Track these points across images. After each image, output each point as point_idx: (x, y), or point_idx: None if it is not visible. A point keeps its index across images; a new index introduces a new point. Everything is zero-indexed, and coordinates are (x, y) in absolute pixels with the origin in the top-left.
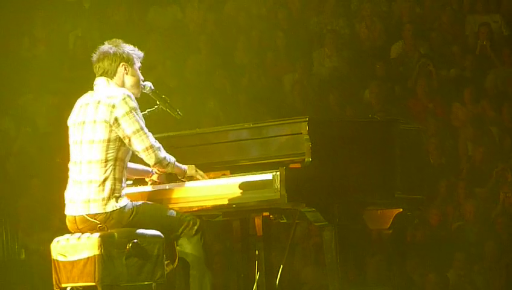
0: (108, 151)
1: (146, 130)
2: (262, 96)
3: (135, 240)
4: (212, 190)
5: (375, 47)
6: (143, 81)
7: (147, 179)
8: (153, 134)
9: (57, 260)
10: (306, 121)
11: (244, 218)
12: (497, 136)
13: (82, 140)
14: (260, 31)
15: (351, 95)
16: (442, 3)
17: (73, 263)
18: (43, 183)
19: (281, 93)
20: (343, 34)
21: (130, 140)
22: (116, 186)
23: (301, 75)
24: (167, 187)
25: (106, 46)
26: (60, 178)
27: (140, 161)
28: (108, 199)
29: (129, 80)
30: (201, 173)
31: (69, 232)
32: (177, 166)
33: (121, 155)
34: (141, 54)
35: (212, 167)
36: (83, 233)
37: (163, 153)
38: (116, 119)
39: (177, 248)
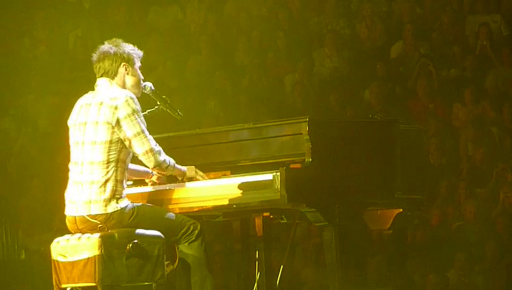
0: (110, 153)
1: (147, 133)
2: (263, 96)
3: (135, 241)
4: (212, 190)
5: (375, 47)
6: (143, 81)
7: (146, 180)
8: (153, 134)
9: (57, 261)
10: (306, 121)
11: (245, 218)
12: (497, 137)
13: (84, 141)
14: (261, 32)
15: (352, 96)
16: (442, 3)
17: (73, 264)
18: (44, 184)
19: (281, 94)
20: (344, 34)
21: (130, 142)
22: (118, 188)
23: (302, 75)
24: (167, 188)
25: (106, 46)
26: (60, 179)
27: (141, 162)
28: (110, 200)
29: (130, 80)
30: (201, 173)
31: (69, 232)
32: (176, 168)
33: (122, 157)
34: (141, 53)
35: (213, 167)
36: (83, 233)
37: (162, 157)
38: (118, 121)
39: (178, 252)
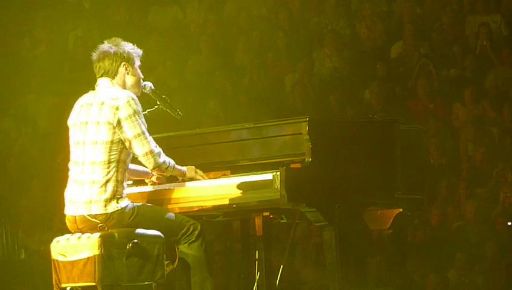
0: (111, 153)
1: (147, 134)
2: (263, 96)
3: (135, 240)
4: (212, 190)
5: (375, 47)
6: (143, 80)
7: (146, 180)
8: (153, 134)
9: (57, 260)
10: (306, 121)
11: (245, 218)
12: (497, 137)
13: (85, 141)
14: (261, 32)
15: (352, 95)
16: (442, 3)
17: (73, 263)
18: (44, 184)
19: (281, 94)
20: (344, 34)
21: (130, 143)
22: (118, 188)
23: (302, 75)
24: (167, 187)
25: (106, 46)
26: (60, 178)
27: (140, 162)
28: (110, 200)
29: (130, 80)
30: (201, 173)
31: (69, 232)
32: (176, 168)
33: (123, 157)
34: (140, 51)
35: (213, 167)
36: (82, 233)
37: (162, 158)
38: (119, 121)
39: (178, 253)
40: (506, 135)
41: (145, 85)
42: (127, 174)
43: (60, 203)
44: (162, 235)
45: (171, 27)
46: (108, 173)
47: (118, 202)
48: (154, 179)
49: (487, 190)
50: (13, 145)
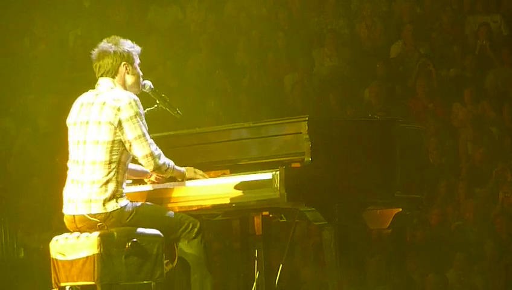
0: (113, 153)
1: (148, 136)
2: (263, 96)
3: (134, 239)
4: (211, 189)
5: (375, 47)
6: (142, 78)
7: (146, 180)
8: (153, 133)
9: (56, 259)
10: (306, 120)
11: (244, 217)
12: (497, 136)
13: (86, 140)
14: (261, 31)
15: (351, 95)
16: (442, 3)
17: (72, 262)
18: (43, 183)
19: (281, 93)
20: (344, 34)
21: (130, 145)
22: (118, 189)
23: (301, 75)
24: (167, 186)
25: (106, 45)
26: (60, 177)
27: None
28: (109, 199)
29: (130, 79)
30: (200, 172)
31: (68, 231)
32: (176, 169)
33: (123, 159)
34: (140, 49)
35: (212, 166)
36: (81, 232)
37: (162, 160)
38: (120, 122)
39: (178, 251)
40: (505, 135)
41: (144, 84)
42: (126, 175)
43: (59, 203)
44: (161, 234)
45: (171, 27)
46: (109, 173)
47: (117, 201)
48: (153, 178)
49: (486, 189)
50: (13, 144)
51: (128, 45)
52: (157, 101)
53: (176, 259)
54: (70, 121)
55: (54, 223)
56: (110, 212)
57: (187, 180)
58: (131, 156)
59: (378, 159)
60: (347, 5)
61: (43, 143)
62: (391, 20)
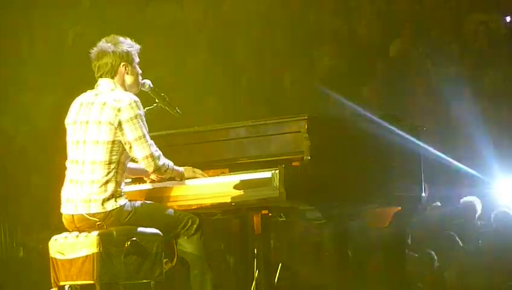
0: (112, 153)
1: (148, 138)
2: (262, 94)
3: (134, 238)
4: (211, 188)
5: (374, 45)
6: (141, 76)
7: (145, 178)
8: (152, 132)
9: (55, 258)
10: (305, 119)
11: (243, 216)
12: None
13: (85, 140)
14: (259, 30)
15: (350, 93)
16: (441, 1)
17: (71, 261)
18: (42, 182)
19: (280, 92)
20: (342, 32)
21: (131, 146)
22: (117, 189)
23: (301, 73)
24: (166, 185)
25: (105, 45)
26: (59, 176)
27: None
28: (108, 199)
29: (129, 79)
30: (199, 171)
31: (67, 230)
32: (175, 169)
33: (123, 159)
34: (138, 47)
35: (211, 165)
36: (80, 231)
37: (162, 161)
38: (120, 123)
39: (178, 247)
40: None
41: (144, 83)
42: (125, 175)
43: (59, 201)
44: (160, 233)
45: (169, 25)
46: (109, 173)
47: (116, 201)
48: (153, 176)
49: None
50: (12, 143)
51: (128, 44)
52: (157, 100)
53: (175, 258)
54: (69, 120)
55: (53, 222)
56: (109, 211)
57: (186, 179)
58: (130, 157)
59: (378, 157)
60: (346, 3)
61: (41, 142)
62: (390, 19)
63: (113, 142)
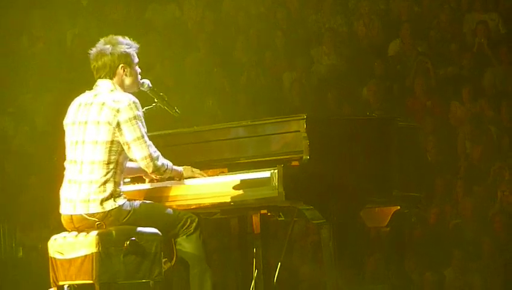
0: (111, 153)
1: (147, 138)
2: (261, 94)
3: (133, 238)
4: (210, 188)
5: (373, 45)
6: (140, 75)
7: (145, 177)
8: (151, 132)
9: (54, 258)
10: (304, 118)
11: (242, 216)
12: (495, 135)
13: (84, 140)
14: (259, 30)
15: (349, 93)
16: (440, 1)
17: (70, 261)
18: (41, 182)
19: (279, 92)
20: (341, 32)
21: (129, 147)
22: (116, 189)
23: (300, 73)
24: (165, 185)
25: (104, 46)
26: (58, 176)
27: None
28: (107, 199)
29: (128, 80)
30: (198, 171)
31: (66, 230)
32: (174, 169)
33: (121, 159)
34: (137, 46)
35: (210, 164)
36: (79, 232)
37: (160, 161)
38: (118, 124)
39: (177, 246)
40: (503, 134)
41: (143, 83)
42: (123, 176)
43: (58, 201)
44: (159, 232)
45: (168, 25)
46: (107, 173)
47: (115, 200)
48: (152, 176)
49: (485, 188)
50: (11, 143)
51: (126, 45)
52: (156, 100)
53: (175, 258)
54: (67, 121)
55: (52, 221)
56: (108, 211)
57: (185, 179)
58: (128, 158)
59: (377, 157)
60: (345, 3)
61: (41, 142)
62: (389, 18)
63: (112, 142)
